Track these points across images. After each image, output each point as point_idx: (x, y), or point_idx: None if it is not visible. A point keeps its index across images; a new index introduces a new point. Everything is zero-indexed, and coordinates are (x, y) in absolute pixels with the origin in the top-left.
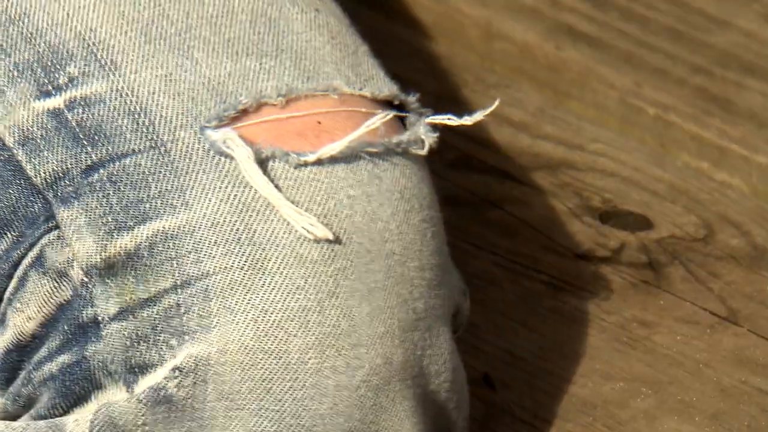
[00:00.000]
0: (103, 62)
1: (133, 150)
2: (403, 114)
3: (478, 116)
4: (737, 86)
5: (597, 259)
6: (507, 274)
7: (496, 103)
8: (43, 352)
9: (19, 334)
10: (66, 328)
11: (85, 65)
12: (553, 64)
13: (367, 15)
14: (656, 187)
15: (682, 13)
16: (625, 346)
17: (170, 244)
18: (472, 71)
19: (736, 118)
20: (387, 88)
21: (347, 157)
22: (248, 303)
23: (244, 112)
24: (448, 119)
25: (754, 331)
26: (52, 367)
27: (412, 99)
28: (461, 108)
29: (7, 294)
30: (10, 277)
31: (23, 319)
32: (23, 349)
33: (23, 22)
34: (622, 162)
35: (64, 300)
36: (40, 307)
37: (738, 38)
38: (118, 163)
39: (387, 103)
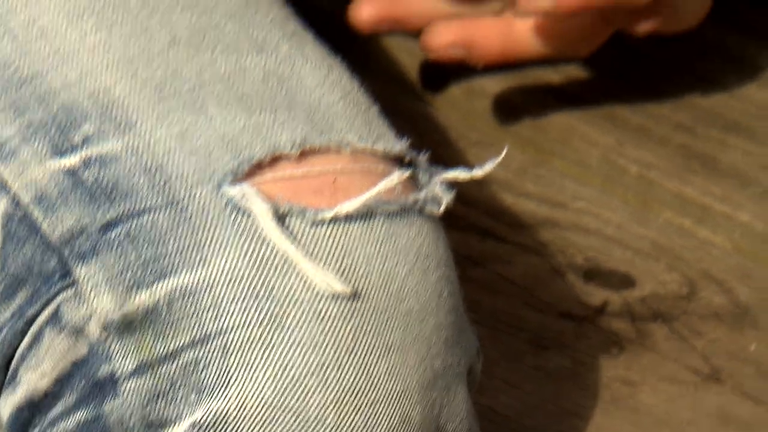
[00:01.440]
0: (117, 121)
1: (151, 207)
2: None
3: (488, 167)
4: (720, 144)
5: (580, 317)
6: (489, 331)
7: (504, 152)
8: (58, 408)
9: (32, 391)
10: (82, 384)
11: (100, 124)
12: (535, 122)
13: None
14: (639, 245)
15: (664, 71)
16: (609, 405)
17: (189, 301)
18: (455, 129)
19: (718, 175)
20: (399, 145)
21: (364, 214)
22: (267, 359)
23: (259, 167)
24: (460, 175)
25: (737, 390)
26: (68, 424)
27: (423, 157)
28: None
29: (19, 351)
30: (23, 333)
31: (37, 376)
32: (36, 406)
33: (36, 83)
34: (604, 220)
35: (80, 357)
36: (55, 364)
37: (720, 96)
38: (135, 220)
39: (397, 161)
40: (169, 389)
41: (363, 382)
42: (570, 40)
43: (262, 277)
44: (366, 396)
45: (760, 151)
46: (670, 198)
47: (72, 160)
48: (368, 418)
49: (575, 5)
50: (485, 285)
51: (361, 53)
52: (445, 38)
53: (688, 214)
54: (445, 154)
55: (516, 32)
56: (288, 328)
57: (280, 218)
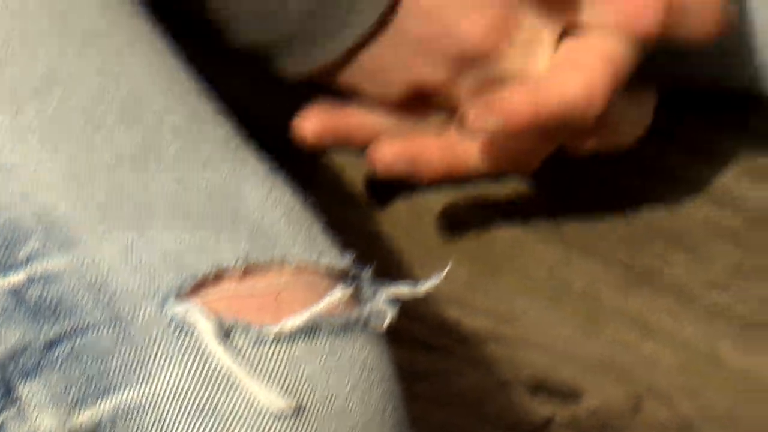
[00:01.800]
0: (62, 238)
1: (95, 324)
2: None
3: (432, 283)
4: (663, 260)
5: (528, 430)
6: None
7: (448, 267)
8: None
9: None
10: None
11: (45, 241)
12: (482, 236)
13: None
14: (586, 359)
15: (604, 188)
16: None
17: (133, 417)
18: (401, 243)
19: (662, 291)
20: (342, 260)
21: (307, 330)
22: None
23: (203, 283)
24: (404, 290)
25: None
26: None
27: (367, 272)
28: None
29: None
30: None
31: None
32: None
33: None
34: (551, 335)
35: None
36: None
37: (663, 212)
38: (79, 337)
39: (342, 276)
40: None
41: None
42: (514, 157)
43: (207, 393)
44: None
45: (702, 268)
46: (616, 312)
47: (16, 278)
48: None
49: (521, 124)
50: (432, 399)
51: (305, 168)
52: (390, 155)
53: (634, 329)
54: (390, 269)
55: (460, 149)
56: None
57: (225, 335)
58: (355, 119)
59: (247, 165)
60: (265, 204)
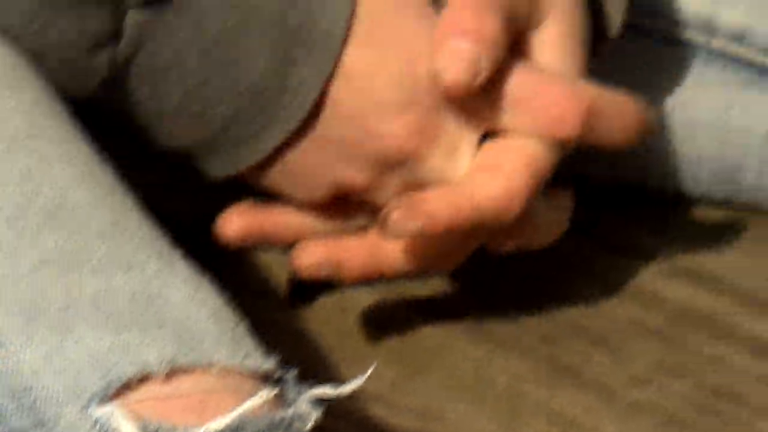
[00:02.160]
0: None
1: (19, 429)
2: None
3: (356, 383)
4: (584, 357)
5: None
6: None
7: (373, 367)
8: None
9: None
10: None
11: None
12: (407, 335)
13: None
14: None
15: (526, 285)
16: None
17: None
18: (327, 343)
19: (584, 388)
20: (267, 362)
21: None
22: None
23: (127, 386)
24: (328, 391)
25: None
26: None
27: (291, 374)
28: (319, 382)
29: None
30: None
31: None
32: None
33: None
34: (477, 431)
35: None
36: None
37: (585, 310)
38: None
39: (266, 378)
40: None
41: None
42: (435, 257)
43: None
44: None
45: (624, 365)
46: (539, 409)
47: None
48: None
49: (441, 227)
50: None
51: (231, 267)
52: (313, 257)
53: (556, 425)
54: (318, 367)
55: (383, 250)
56: None
57: None
58: (279, 219)
59: (172, 265)
60: (190, 305)
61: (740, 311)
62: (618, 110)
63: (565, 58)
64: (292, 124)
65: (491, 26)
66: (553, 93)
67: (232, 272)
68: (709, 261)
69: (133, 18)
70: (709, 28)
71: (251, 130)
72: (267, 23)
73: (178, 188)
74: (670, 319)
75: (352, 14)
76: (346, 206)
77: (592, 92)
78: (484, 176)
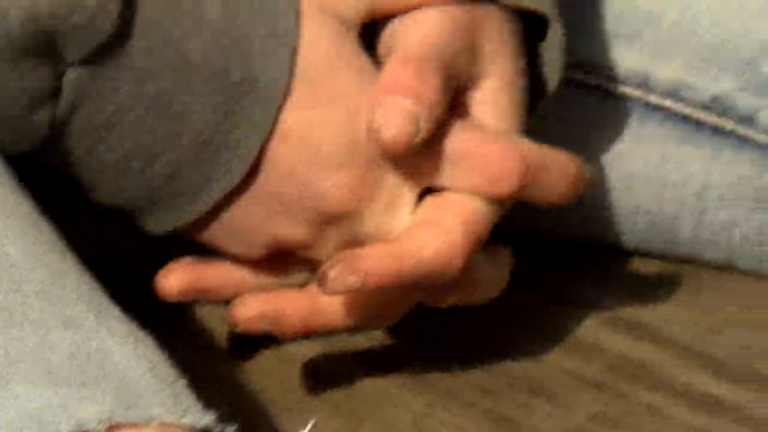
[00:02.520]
0: None
1: None
2: None
3: None
4: (525, 408)
5: None
6: None
7: (314, 420)
8: None
9: None
10: None
11: None
12: (347, 387)
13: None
14: None
15: (469, 336)
16: None
17: None
18: (269, 395)
19: None
20: (206, 417)
21: None
22: None
23: None
24: None
25: None
26: None
27: (231, 428)
28: None
29: None
30: None
31: None
32: None
33: None
34: None
35: None
36: None
37: (526, 361)
38: None
39: None
40: None
41: None
42: (375, 312)
43: None
44: None
45: (564, 416)
46: None
47: None
48: None
49: (381, 284)
50: None
51: (172, 321)
52: (252, 311)
53: None
54: (260, 419)
55: (322, 305)
56: None
57: None
58: (218, 274)
59: (110, 323)
60: (129, 360)
61: (677, 363)
62: (557, 167)
63: (504, 115)
64: (233, 180)
65: (432, 85)
66: (492, 151)
67: (174, 325)
68: (647, 312)
69: (72, 76)
70: (646, 83)
71: (192, 187)
72: (208, 79)
73: (116, 239)
74: (610, 370)
75: (292, 68)
76: (287, 261)
77: (531, 150)
78: (423, 232)
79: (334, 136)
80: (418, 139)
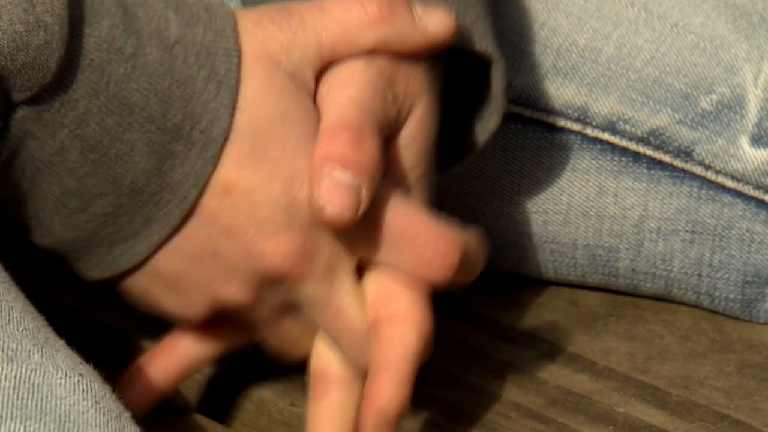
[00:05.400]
0: None
1: None
2: None
3: None
4: None
5: None
6: None
7: None
8: None
9: None
10: None
11: None
12: (288, 419)
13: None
14: None
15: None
16: None
17: None
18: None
19: None
20: None
21: None
22: None
23: None
24: None
25: None
26: None
27: None
28: None
29: None
30: None
31: None
32: None
33: None
34: None
35: None
36: None
37: (467, 392)
38: None
39: None
40: None
41: None
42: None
43: None
44: None
45: None
46: None
47: None
48: None
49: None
50: None
51: (115, 353)
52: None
53: None
54: None
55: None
56: None
57: None
58: (166, 355)
59: (55, 357)
60: (73, 395)
61: (617, 393)
62: (474, 251)
63: (422, 160)
64: (171, 223)
65: (369, 152)
66: (430, 236)
67: (115, 360)
68: (587, 344)
69: (18, 115)
70: (584, 116)
71: (131, 230)
72: (148, 121)
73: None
74: (550, 402)
75: (233, 111)
76: (228, 324)
77: (463, 237)
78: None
79: (273, 198)
80: (361, 211)
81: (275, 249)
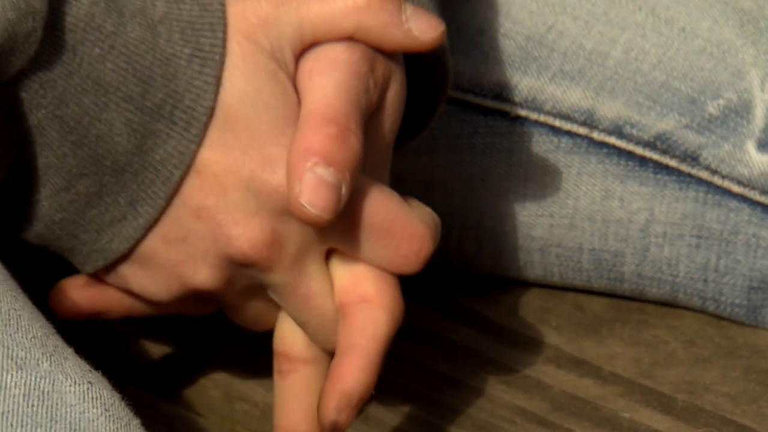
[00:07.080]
0: None
1: None
2: None
3: None
4: None
5: None
6: None
7: None
8: None
9: None
10: None
11: None
12: None
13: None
14: None
15: (415, 373)
16: None
17: None
18: None
19: None
20: None
21: None
22: None
23: None
24: None
25: None
26: None
27: None
28: None
29: None
30: None
31: None
32: None
33: None
34: None
35: None
36: None
37: (470, 396)
38: None
39: None
40: None
41: None
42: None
43: None
44: None
45: None
46: None
47: None
48: None
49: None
50: None
51: (124, 362)
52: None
53: None
54: None
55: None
56: None
57: None
58: (112, 295)
59: (64, 365)
60: (83, 402)
61: (622, 399)
62: (438, 235)
63: (390, 139)
64: (157, 204)
65: (354, 147)
66: (405, 230)
67: (126, 367)
68: (592, 349)
69: None
70: (590, 120)
71: (117, 212)
72: (123, 101)
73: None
74: (555, 406)
75: (217, 88)
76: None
77: (432, 225)
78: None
79: (244, 183)
80: (341, 207)
81: (243, 235)
